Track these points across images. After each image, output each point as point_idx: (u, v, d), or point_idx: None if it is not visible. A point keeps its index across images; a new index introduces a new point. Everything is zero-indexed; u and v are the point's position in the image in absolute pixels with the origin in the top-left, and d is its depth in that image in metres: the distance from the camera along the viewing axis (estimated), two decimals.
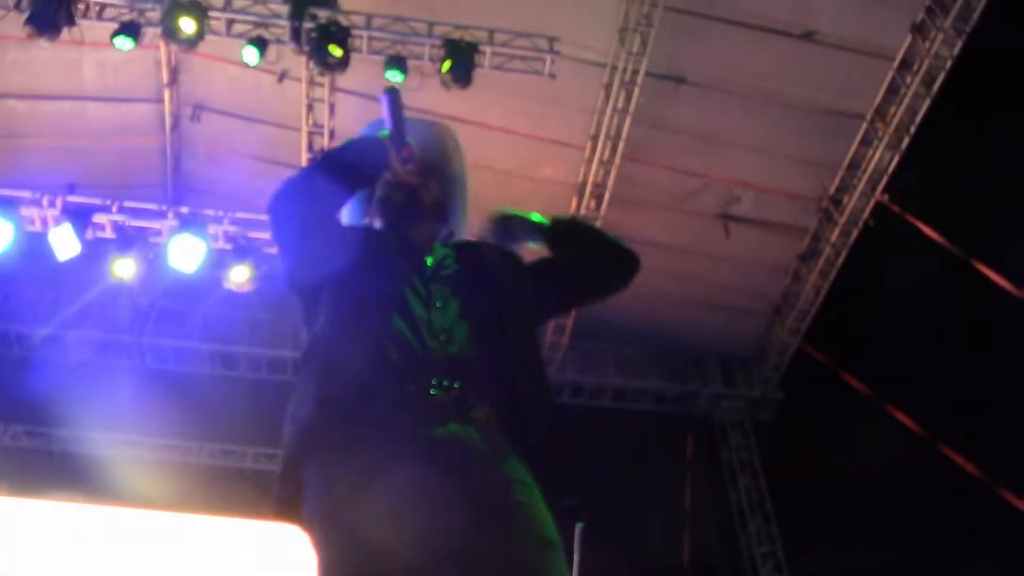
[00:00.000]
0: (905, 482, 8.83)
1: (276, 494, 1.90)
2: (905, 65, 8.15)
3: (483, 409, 1.89)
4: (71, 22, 7.33)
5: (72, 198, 8.75)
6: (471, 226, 2.41)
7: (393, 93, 2.23)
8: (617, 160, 8.70)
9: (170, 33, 7.33)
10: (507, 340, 2.02)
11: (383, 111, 2.24)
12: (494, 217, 2.41)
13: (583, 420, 10.26)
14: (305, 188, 2.12)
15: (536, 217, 2.40)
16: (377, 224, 2.28)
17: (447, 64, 7.57)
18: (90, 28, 7.64)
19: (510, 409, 1.90)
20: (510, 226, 2.40)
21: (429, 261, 2.14)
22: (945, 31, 7.69)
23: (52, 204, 8.50)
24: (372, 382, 1.85)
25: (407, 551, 1.67)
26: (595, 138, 8.79)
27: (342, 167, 2.16)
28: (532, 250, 2.40)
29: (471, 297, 2.05)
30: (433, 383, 1.86)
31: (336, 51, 7.45)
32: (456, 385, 1.88)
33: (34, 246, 8.46)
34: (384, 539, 1.67)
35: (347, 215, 2.30)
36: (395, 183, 2.25)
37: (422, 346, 1.91)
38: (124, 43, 7.45)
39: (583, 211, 9.05)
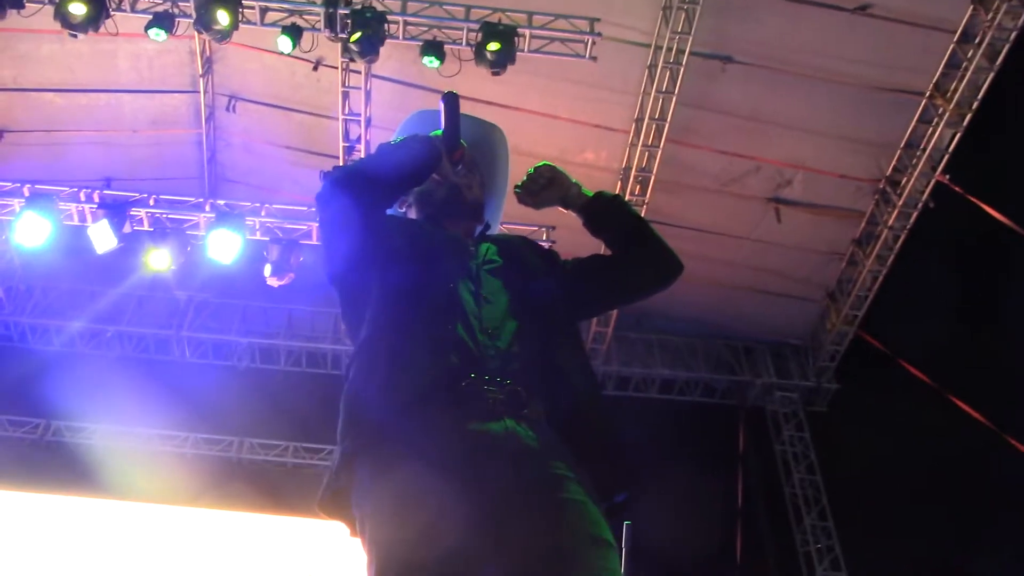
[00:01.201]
0: (970, 475, 8.71)
1: (329, 485, 1.94)
2: (966, 38, 8.00)
3: (535, 406, 1.94)
4: (108, 15, 7.47)
5: (109, 192, 8.95)
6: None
7: (450, 97, 2.31)
8: (662, 143, 8.67)
9: (204, 25, 7.45)
10: (554, 336, 2.10)
11: (441, 113, 2.32)
12: (536, 170, 2.40)
13: (629, 412, 10.26)
14: (357, 180, 2.17)
15: (577, 185, 2.40)
16: (412, 215, 2.38)
17: (488, 46, 7.57)
18: (124, 20, 7.80)
19: (561, 406, 1.97)
20: (549, 183, 2.40)
21: (477, 253, 2.23)
22: (1009, 0, 7.53)
23: (90, 198, 8.70)
24: (431, 378, 1.91)
25: (464, 544, 1.72)
26: (639, 121, 8.77)
27: (395, 164, 2.22)
28: (563, 215, 2.42)
29: (518, 292, 2.13)
30: (487, 380, 1.93)
31: (356, 36, 7.45)
32: (508, 382, 1.94)
33: (73, 240, 8.66)
34: (441, 532, 1.73)
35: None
36: (439, 180, 2.34)
37: (475, 343, 1.99)
38: (158, 34, 7.59)
39: (627, 196, 9.03)
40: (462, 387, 1.90)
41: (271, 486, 9.54)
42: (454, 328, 1.99)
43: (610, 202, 2.39)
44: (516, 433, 1.88)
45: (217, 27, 7.46)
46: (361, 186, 2.13)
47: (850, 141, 8.94)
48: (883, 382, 9.92)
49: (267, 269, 8.66)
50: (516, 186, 2.42)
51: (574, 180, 2.41)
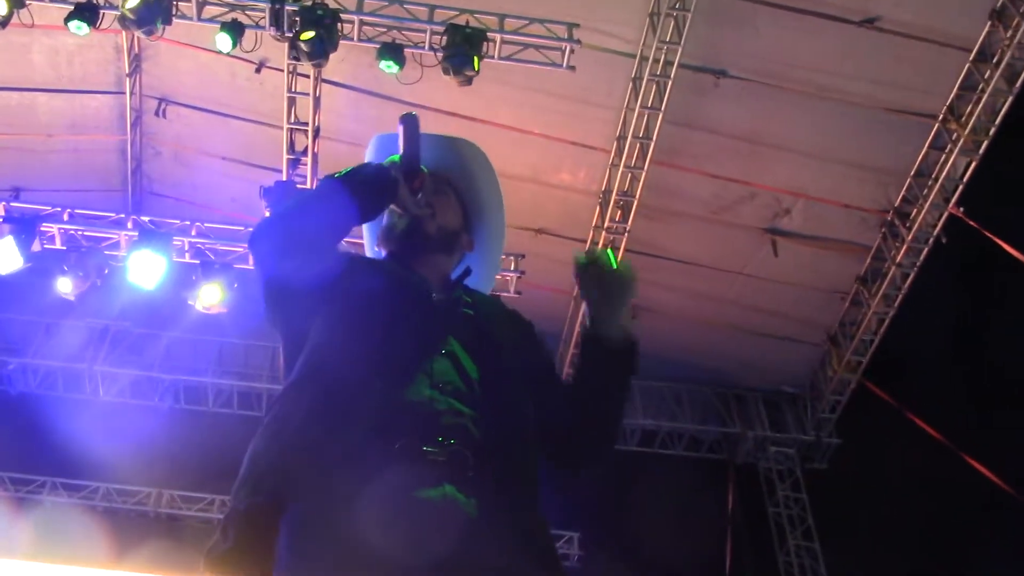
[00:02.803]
0: (985, 540, 8.76)
1: (233, 541, 1.90)
2: (983, 57, 8.16)
3: (480, 473, 1.95)
4: (22, 4, 7.44)
5: (17, 204, 8.84)
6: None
7: (410, 119, 2.34)
8: (646, 165, 8.73)
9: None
10: (511, 407, 2.12)
11: (399, 137, 2.35)
12: (621, 267, 2.40)
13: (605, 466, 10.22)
14: (295, 229, 2.17)
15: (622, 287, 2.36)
16: (383, 253, 2.42)
17: (448, 53, 7.63)
18: (41, 10, 7.75)
19: (505, 482, 2.00)
20: (614, 287, 2.37)
21: (438, 300, 2.25)
22: None
23: None
24: (368, 433, 1.93)
25: None
26: (621, 139, 8.83)
27: (342, 200, 2.22)
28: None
29: (479, 349, 2.15)
30: (430, 440, 1.94)
31: (306, 35, 7.48)
32: (452, 442, 1.95)
33: None
34: None
35: (366, 237, 2.48)
36: (400, 212, 2.37)
37: (421, 398, 2.00)
38: (79, 27, 7.54)
39: (607, 222, 9.07)
40: (400, 445, 1.91)
41: (194, 546, 9.38)
42: (393, 369, 2.02)
43: (629, 352, 2.41)
44: (454, 500, 1.89)
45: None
46: (300, 237, 2.15)
47: (855, 167, 9.05)
48: (889, 437, 9.97)
49: (195, 296, 8.58)
50: (581, 259, 2.38)
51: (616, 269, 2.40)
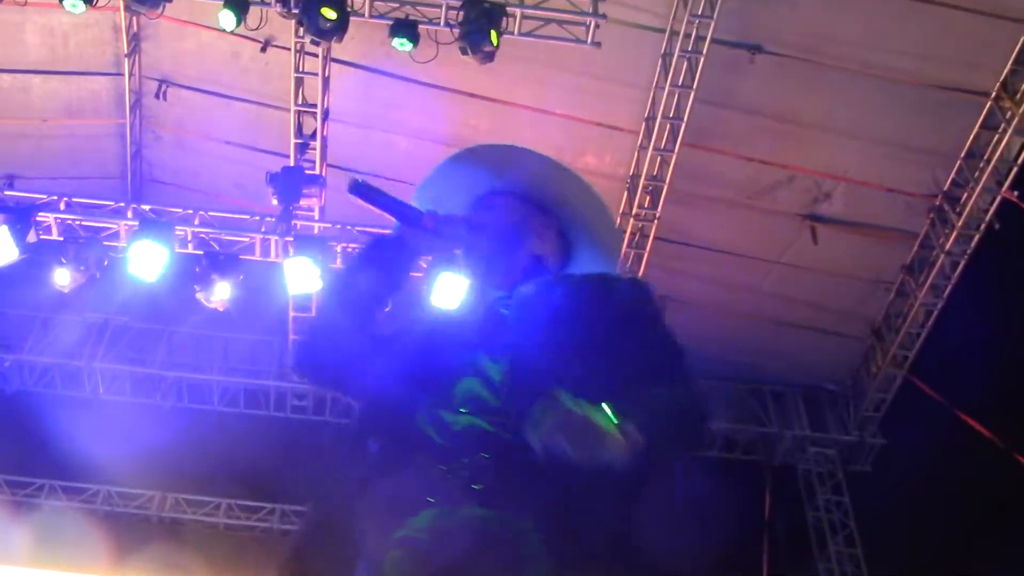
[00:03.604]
0: None
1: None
2: None
3: (500, 480, 2.07)
4: None
5: (11, 192, 8.90)
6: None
7: (354, 187, 2.45)
8: (677, 147, 8.70)
9: None
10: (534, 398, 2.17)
11: (366, 204, 2.46)
12: None
13: None
14: (329, 342, 2.47)
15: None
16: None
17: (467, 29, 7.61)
18: None
19: (530, 481, 2.06)
20: None
21: (487, 318, 2.41)
22: None
23: None
24: (387, 463, 2.16)
25: None
26: (650, 120, 8.80)
27: (348, 282, 2.51)
28: None
29: (505, 354, 2.25)
30: (448, 460, 2.11)
31: (330, 13, 7.51)
32: (466, 461, 2.11)
33: None
34: None
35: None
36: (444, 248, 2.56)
37: (441, 422, 2.18)
38: (75, 5, 7.57)
39: (635, 209, 9.05)
40: (419, 471, 2.11)
41: (197, 550, 9.45)
42: (428, 404, 2.21)
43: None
44: (475, 517, 2.04)
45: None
46: (335, 346, 2.44)
47: (901, 148, 8.99)
48: (937, 437, 9.91)
49: (205, 291, 8.62)
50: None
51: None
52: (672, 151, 8.74)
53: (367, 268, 2.50)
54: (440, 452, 2.12)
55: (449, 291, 8.08)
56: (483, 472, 2.07)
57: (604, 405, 1.93)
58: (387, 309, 2.52)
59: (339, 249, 8.84)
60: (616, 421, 1.90)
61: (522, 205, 2.60)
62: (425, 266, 8.26)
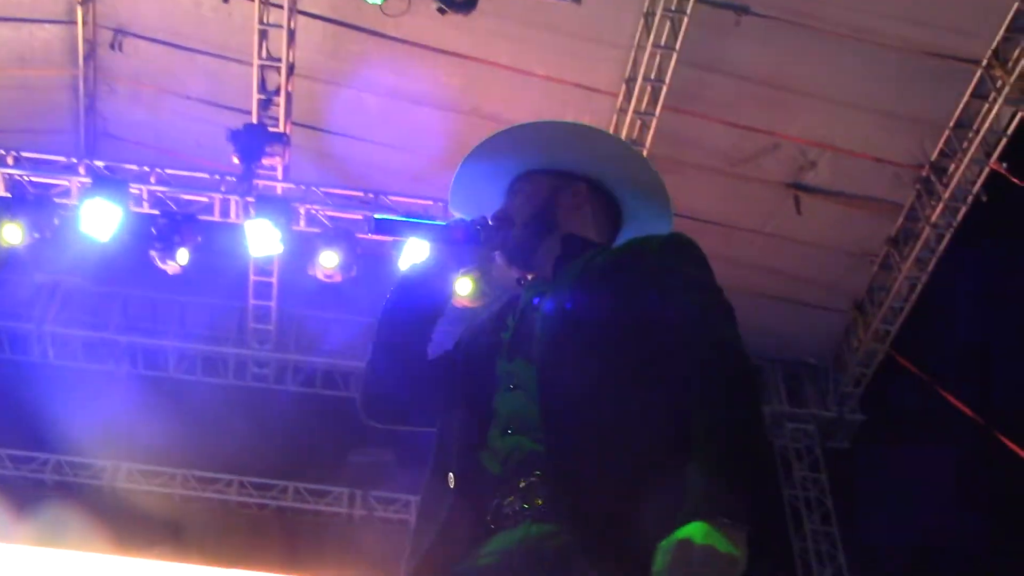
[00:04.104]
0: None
1: None
2: None
3: (555, 493, 2.07)
4: None
5: None
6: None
7: (376, 226, 2.54)
8: (658, 110, 8.68)
9: None
10: (575, 395, 2.14)
11: (389, 233, 2.55)
12: None
13: None
14: (379, 390, 2.52)
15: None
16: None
17: None
18: None
19: (588, 488, 2.03)
20: None
21: (511, 319, 2.43)
22: None
23: None
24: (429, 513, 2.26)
25: None
26: (630, 82, 8.77)
27: (402, 327, 2.51)
28: None
29: (551, 360, 2.21)
30: (505, 489, 2.15)
31: None
32: (522, 483, 2.13)
33: None
34: None
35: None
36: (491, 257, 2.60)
37: (490, 452, 2.23)
38: None
39: None
40: (454, 517, 2.20)
41: (153, 524, 9.44)
42: (472, 439, 2.26)
43: None
44: (537, 537, 2.07)
45: None
46: (387, 392, 2.51)
47: (889, 117, 9.02)
48: (918, 414, 10.04)
49: (164, 255, 8.54)
50: None
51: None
52: (653, 115, 8.71)
53: (407, 296, 2.53)
54: (497, 482, 2.16)
55: (417, 256, 8.03)
56: (536, 491, 2.10)
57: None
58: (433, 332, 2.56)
59: (302, 211, 8.78)
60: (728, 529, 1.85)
61: (550, 181, 2.58)
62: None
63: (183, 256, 8.54)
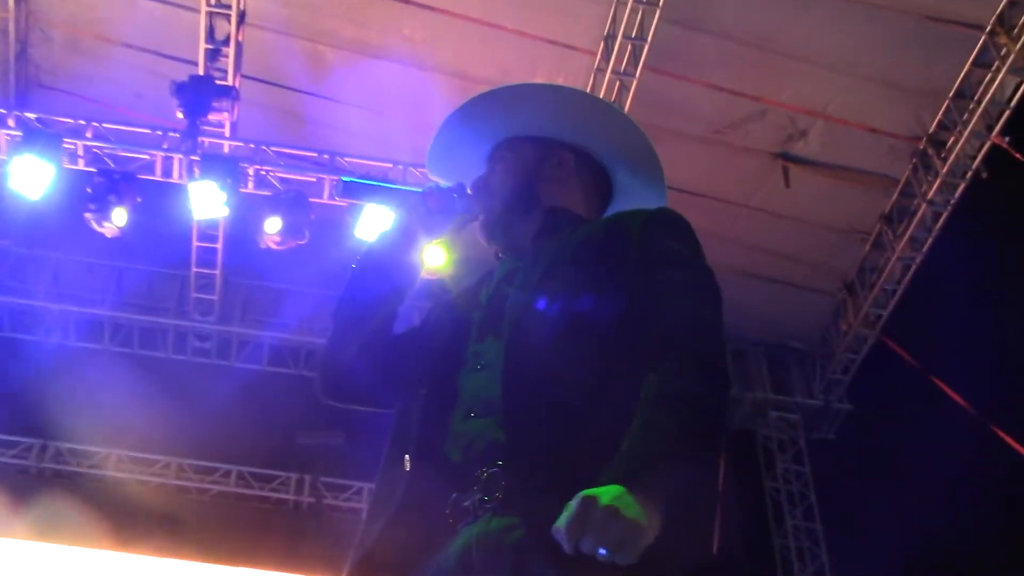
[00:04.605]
0: (1021, 527, 8.95)
1: None
2: None
3: (515, 483, 2.08)
4: None
5: None
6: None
7: (342, 189, 2.70)
8: (638, 71, 8.72)
9: None
10: (542, 373, 2.15)
11: (362, 193, 2.67)
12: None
13: None
14: (340, 371, 2.50)
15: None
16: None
17: None
18: None
19: (551, 478, 2.04)
20: None
21: (483, 296, 2.44)
22: None
23: None
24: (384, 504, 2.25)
25: None
26: (609, 39, 8.80)
27: (366, 300, 2.50)
28: None
29: (518, 340, 2.22)
30: (465, 479, 2.15)
31: None
32: (480, 474, 2.13)
33: None
34: None
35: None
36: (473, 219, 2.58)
37: (454, 439, 2.23)
38: None
39: None
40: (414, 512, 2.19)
41: (87, 507, 9.43)
42: (442, 419, 2.26)
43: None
44: (495, 531, 2.06)
45: None
46: (348, 375, 2.49)
47: (885, 85, 9.10)
48: (909, 404, 10.11)
49: (98, 215, 8.52)
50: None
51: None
52: (633, 75, 8.75)
53: (373, 269, 2.52)
54: (458, 472, 2.16)
55: (376, 225, 8.10)
56: (498, 482, 2.09)
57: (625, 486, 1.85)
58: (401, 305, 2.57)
59: (251, 171, 8.80)
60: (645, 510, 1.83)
61: (535, 149, 2.59)
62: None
63: (121, 218, 8.53)
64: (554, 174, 2.55)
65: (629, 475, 1.86)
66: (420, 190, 2.53)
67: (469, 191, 2.55)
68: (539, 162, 2.56)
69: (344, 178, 2.53)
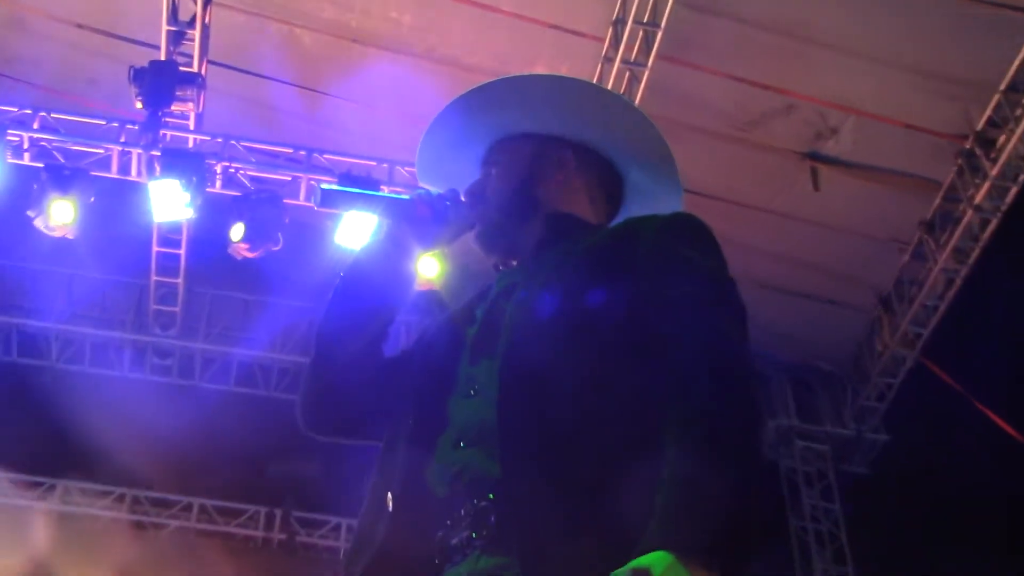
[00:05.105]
0: None
1: None
2: None
3: (508, 518, 2.06)
4: None
5: None
6: None
7: (323, 198, 2.53)
8: (650, 61, 8.71)
9: None
10: (539, 398, 2.14)
11: (340, 203, 2.67)
12: None
13: None
14: (324, 399, 2.50)
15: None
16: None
17: None
18: None
19: (543, 512, 2.02)
20: None
21: (479, 313, 2.43)
22: None
23: None
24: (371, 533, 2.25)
25: None
26: (618, 24, 8.81)
27: (353, 319, 2.50)
28: None
29: (515, 362, 2.20)
30: (452, 516, 2.15)
31: None
32: (476, 502, 2.12)
33: None
34: None
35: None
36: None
37: (439, 470, 2.22)
38: None
39: None
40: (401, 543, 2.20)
41: (20, 538, 9.42)
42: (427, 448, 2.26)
43: None
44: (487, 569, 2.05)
45: None
46: (330, 399, 2.51)
47: (926, 76, 9.06)
48: (952, 434, 10.10)
49: (40, 213, 8.51)
50: None
51: None
52: (644, 65, 8.74)
53: (360, 284, 2.52)
54: (443, 507, 2.16)
55: (357, 232, 8.10)
56: (487, 517, 2.08)
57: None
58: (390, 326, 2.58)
59: (219, 169, 8.78)
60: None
61: (534, 148, 2.58)
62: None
63: (65, 214, 8.49)
64: (555, 175, 2.54)
65: (676, 540, 1.81)
66: (408, 197, 2.52)
67: (463, 198, 2.55)
68: (539, 161, 2.56)
69: (323, 185, 2.49)
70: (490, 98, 2.57)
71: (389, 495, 2.23)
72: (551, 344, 2.16)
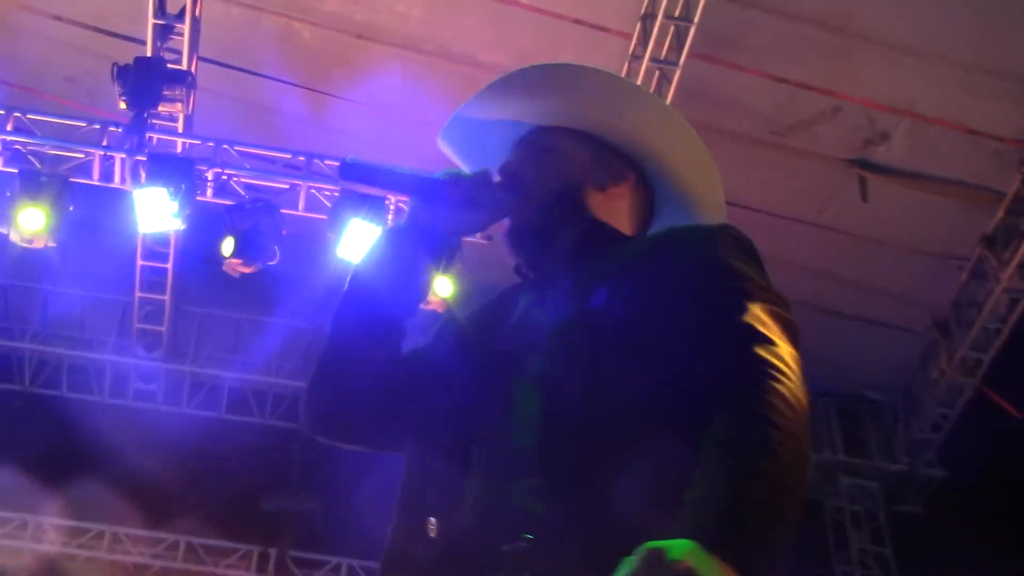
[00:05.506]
0: None
1: None
2: None
3: (552, 557, 2.04)
4: None
5: None
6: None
7: (345, 169, 2.50)
8: (682, 59, 8.72)
9: None
10: (583, 426, 2.14)
11: (365, 182, 2.55)
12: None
13: None
14: (342, 382, 2.50)
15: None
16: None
17: None
18: None
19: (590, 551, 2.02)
20: None
21: (509, 328, 2.42)
22: None
23: None
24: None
25: None
26: (648, 20, 8.81)
27: (372, 308, 2.49)
28: None
29: (560, 384, 2.19)
30: (487, 555, 2.11)
31: None
32: (505, 549, 2.09)
33: None
34: None
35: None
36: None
37: (468, 516, 2.18)
38: None
39: None
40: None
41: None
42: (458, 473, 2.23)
43: None
44: None
45: None
46: (346, 401, 2.51)
47: (988, 75, 9.04)
48: (1017, 470, 10.07)
49: (12, 222, 8.54)
50: None
51: None
52: (676, 64, 8.75)
53: (381, 271, 2.50)
54: (475, 545, 2.13)
55: (361, 242, 8.11)
56: (525, 560, 2.07)
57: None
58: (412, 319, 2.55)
59: (210, 176, 8.79)
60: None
61: (594, 150, 2.58)
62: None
63: (41, 225, 8.50)
64: (609, 187, 2.56)
65: (703, 534, 1.82)
66: (441, 177, 2.48)
67: (498, 177, 2.53)
68: (593, 168, 2.56)
69: (347, 157, 2.46)
70: (543, 80, 2.60)
71: (432, 520, 2.20)
72: (600, 370, 2.17)
